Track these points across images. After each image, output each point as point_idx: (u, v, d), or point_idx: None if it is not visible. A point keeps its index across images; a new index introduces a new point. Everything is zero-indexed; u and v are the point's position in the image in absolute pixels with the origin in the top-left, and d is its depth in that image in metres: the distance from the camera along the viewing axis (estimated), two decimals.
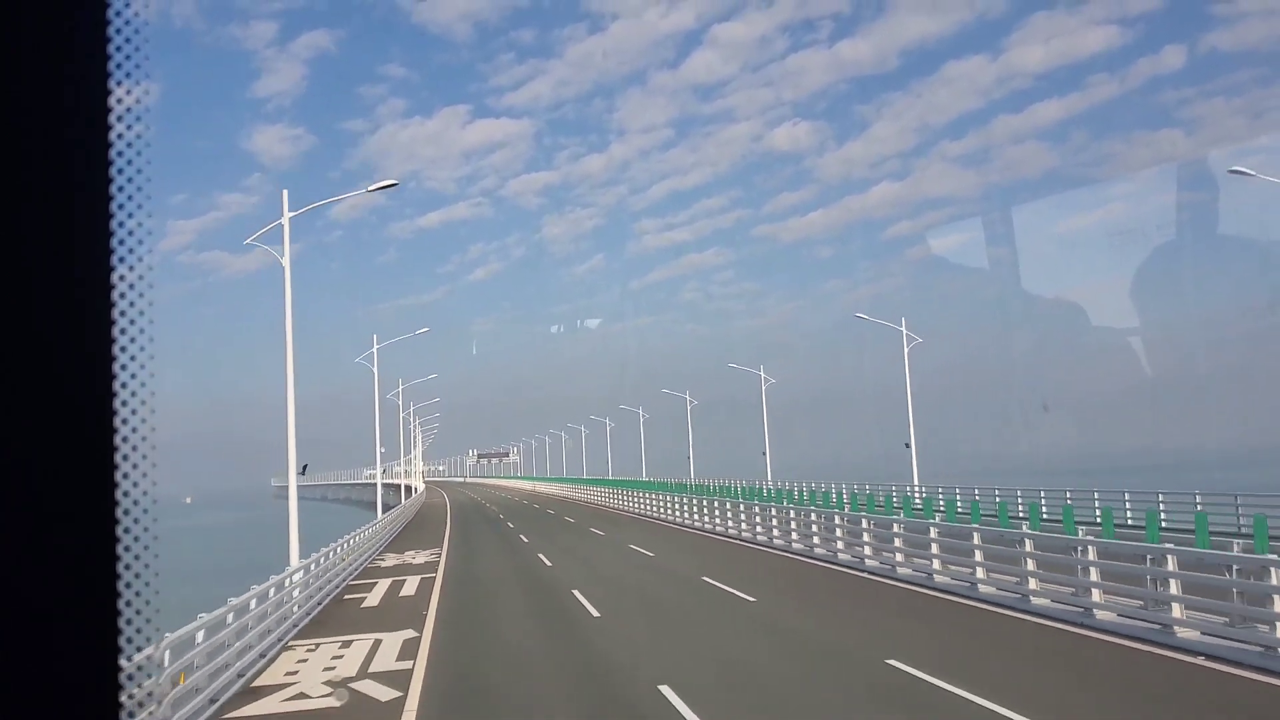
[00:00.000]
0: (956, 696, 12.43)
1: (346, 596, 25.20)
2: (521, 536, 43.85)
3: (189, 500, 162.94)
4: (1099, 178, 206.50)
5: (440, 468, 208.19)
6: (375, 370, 48.15)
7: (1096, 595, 17.09)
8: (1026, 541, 19.29)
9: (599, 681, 14.68)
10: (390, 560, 33.91)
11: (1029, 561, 19.09)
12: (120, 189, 1.20)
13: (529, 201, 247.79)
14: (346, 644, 17.93)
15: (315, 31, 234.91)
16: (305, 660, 16.71)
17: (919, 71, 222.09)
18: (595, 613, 20.70)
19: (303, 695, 14.05)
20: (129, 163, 1.20)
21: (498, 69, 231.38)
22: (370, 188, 28.98)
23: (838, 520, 29.58)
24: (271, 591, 17.81)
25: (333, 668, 15.86)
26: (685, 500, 49.05)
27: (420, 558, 34.32)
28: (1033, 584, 18.84)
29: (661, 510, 53.39)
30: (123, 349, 1.19)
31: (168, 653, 11.70)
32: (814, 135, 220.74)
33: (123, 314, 1.19)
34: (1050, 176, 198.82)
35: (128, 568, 1.15)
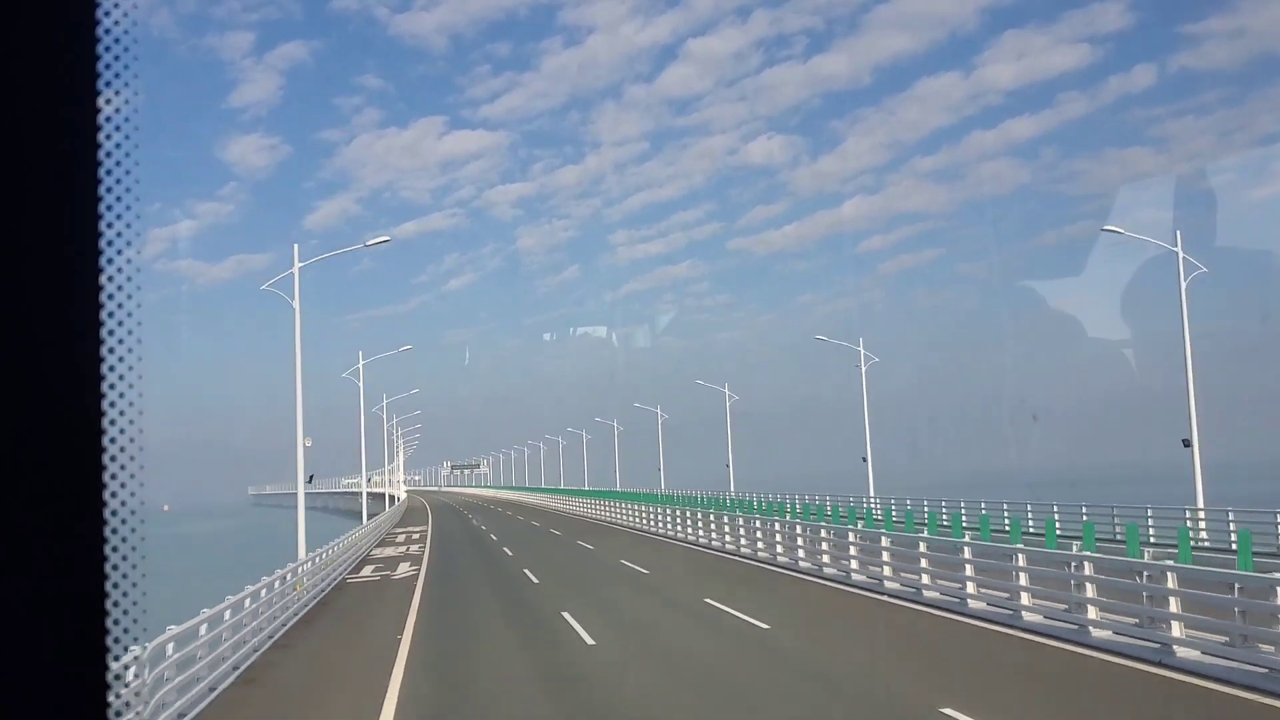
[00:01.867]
0: None
1: (386, 538, 51.86)
2: (472, 519, 72.15)
3: (167, 508, 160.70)
4: (1070, 194, 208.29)
5: (416, 478, 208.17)
6: (385, 418, 58.66)
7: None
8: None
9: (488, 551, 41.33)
10: (401, 530, 60.03)
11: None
12: (109, 189, 1.19)
13: (504, 212, 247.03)
14: (398, 547, 44.85)
15: (292, 43, 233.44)
16: (381, 551, 42.88)
17: (892, 88, 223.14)
18: (498, 539, 48.89)
19: (389, 556, 39.65)
20: (118, 163, 1.20)
21: (474, 81, 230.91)
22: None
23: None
24: (358, 532, 43.20)
25: (394, 554, 40.70)
26: (606, 503, 67.17)
27: (418, 530, 59.74)
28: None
29: (590, 511, 71.18)
30: (110, 350, 1.18)
31: (333, 547, 31.76)
32: (788, 149, 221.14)
33: (110, 315, 1.19)
34: (1021, 192, 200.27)
35: (115, 568, 1.14)
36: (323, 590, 27.17)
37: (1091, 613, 16.80)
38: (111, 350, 1.19)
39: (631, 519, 55.60)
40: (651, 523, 50.81)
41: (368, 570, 34.44)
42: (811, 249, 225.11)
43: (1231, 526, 28.72)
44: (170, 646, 12.78)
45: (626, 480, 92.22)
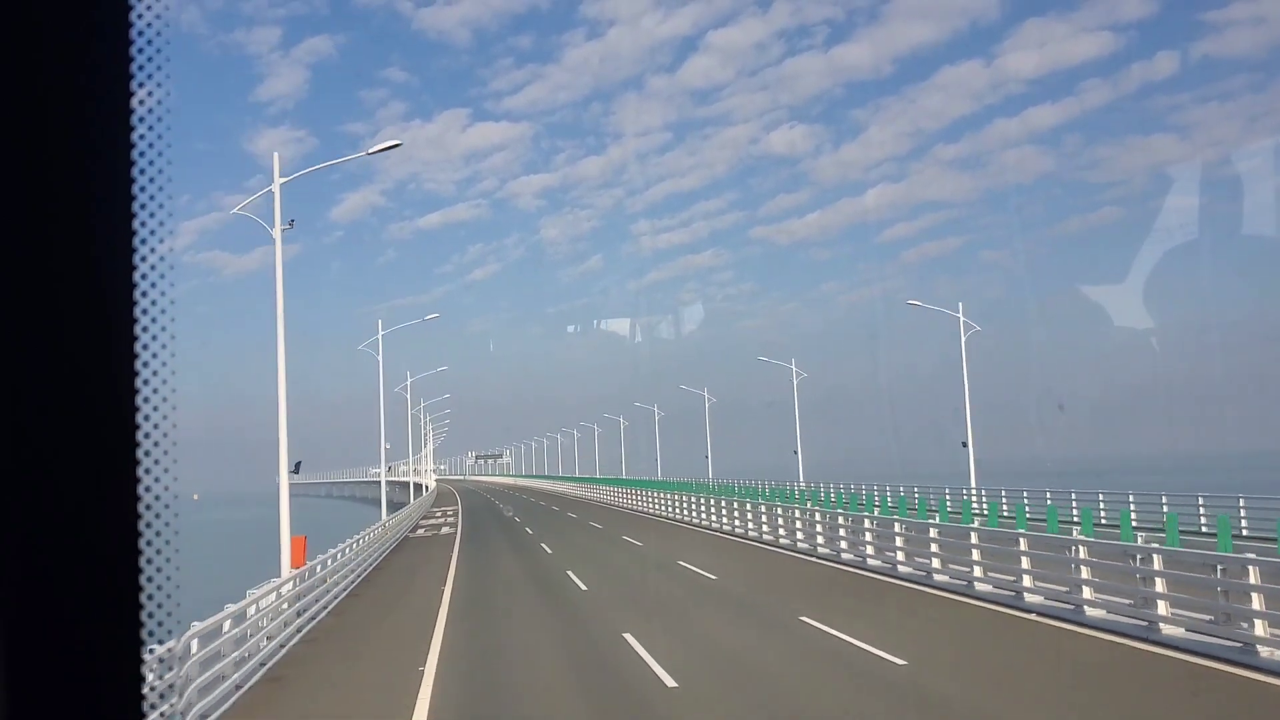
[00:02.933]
0: None
1: (427, 514, 61.67)
2: (492, 499, 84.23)
3: (196, 498, 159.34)
4: (1093, 181, 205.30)
5: (442, 466, 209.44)
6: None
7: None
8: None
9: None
10: (438, 509, 68.97)
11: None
12: (142, 187, 1.18)
13: (528, 203, 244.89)
14: (438, 519, 55.12)
15: (317, 37, 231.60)
16: (427, 522, 53.85)
17: (913, 77, 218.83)
18: (510, 512, 62.78)
19: (434, 524, 51.72)
20: (150, 162, 1.18)
21: (497, 74, 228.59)
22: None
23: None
24: (409, 509, 56.40)
25: (437, 522, 53.14)
26: (602, 488, 79.10)
27: (451, 508, 68.47)
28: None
29: (589, 494, 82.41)
30: (144, 346, 1.16)
31: (395, 516, 46.36)
32: (810, 139, 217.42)
33: (145, 312, 1.16)
34: (1045, 180, 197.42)
35: (149, 562, 1.13)
36: (396, 541, 39.83)
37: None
38: (145, 346, 1.18)
39: (620, 500, 66.88)
40: (632, 501, 61.55)
41: (420, 531, 47.67)
42: (835, 237, 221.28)
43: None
44: (337, 555, 23.65)
45: (631, 468, 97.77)
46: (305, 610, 19.04)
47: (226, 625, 13.07)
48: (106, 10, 1.19)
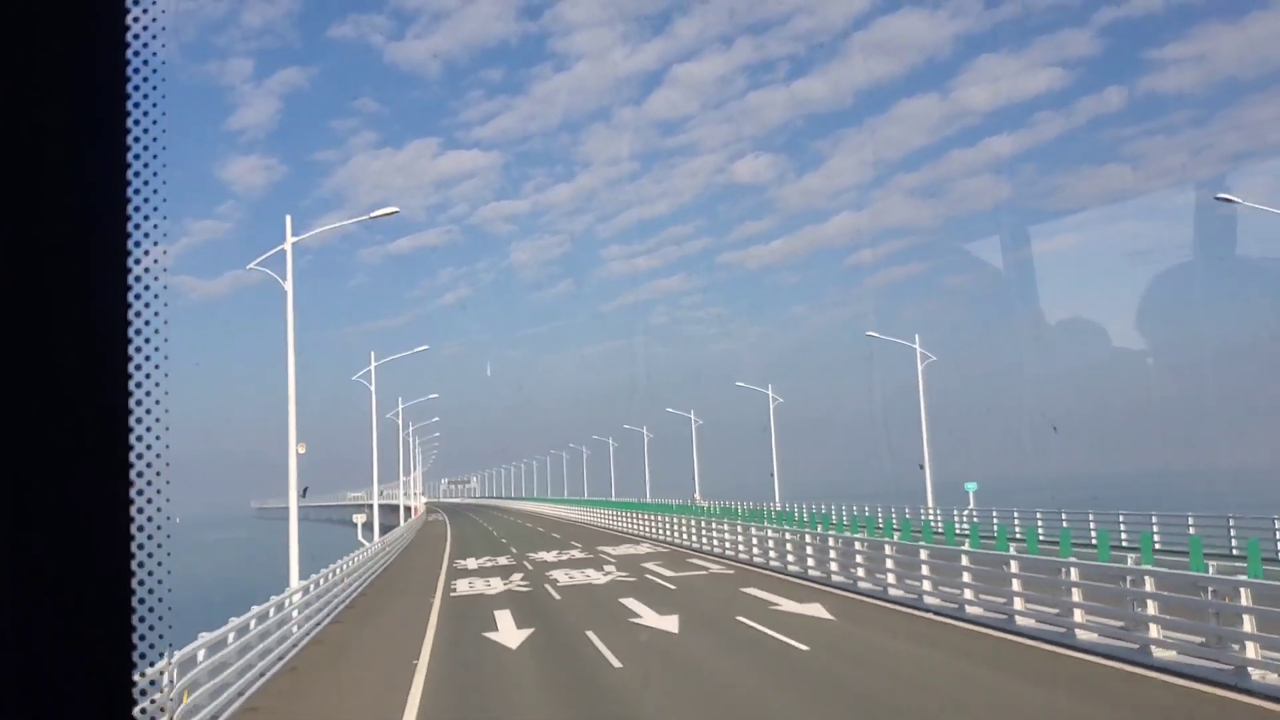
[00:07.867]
0: None
1: (427, 517, 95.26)
2: (461, 510, 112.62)
3: (179, 520, 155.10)
4: (1051, 209, 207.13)
5: (418, 491, 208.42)
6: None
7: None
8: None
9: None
10: (433, 515, 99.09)
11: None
12: (137, 208, 1.13)
13: (498, 229, 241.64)
14: (431, 520, 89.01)
15: (290, 69, 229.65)
16: (430, 518, 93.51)
17: (873, 109, 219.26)
18: (474, 516, 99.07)
19: (434, 518, 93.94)
20: (145, 183, 1.14)
21: (467, 105, 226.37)
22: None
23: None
24: (421, 516, 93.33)
25: (431, 521, 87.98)
26: (544, 505, 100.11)
27: (441, 515, 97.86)
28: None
29: (535, 508, 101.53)
30: (138, 367, 1.11)
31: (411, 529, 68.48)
32: (774, 168, 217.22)
33: (138, 332, 1.12)
34: (1003, 208, 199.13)
35: (141, 583, 1.07)
36: (423, 523, 76.58)
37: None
38: (139, 367, 1.12)
39: (566, 513, 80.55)
40: (590, 517, 70.72)
41: (432, 519, 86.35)
42: (800, 263, 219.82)
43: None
44: (375, 547, 36.76)
45: (621, 489, 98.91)
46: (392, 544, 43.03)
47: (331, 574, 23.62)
48: (93, 49, 1.14)
